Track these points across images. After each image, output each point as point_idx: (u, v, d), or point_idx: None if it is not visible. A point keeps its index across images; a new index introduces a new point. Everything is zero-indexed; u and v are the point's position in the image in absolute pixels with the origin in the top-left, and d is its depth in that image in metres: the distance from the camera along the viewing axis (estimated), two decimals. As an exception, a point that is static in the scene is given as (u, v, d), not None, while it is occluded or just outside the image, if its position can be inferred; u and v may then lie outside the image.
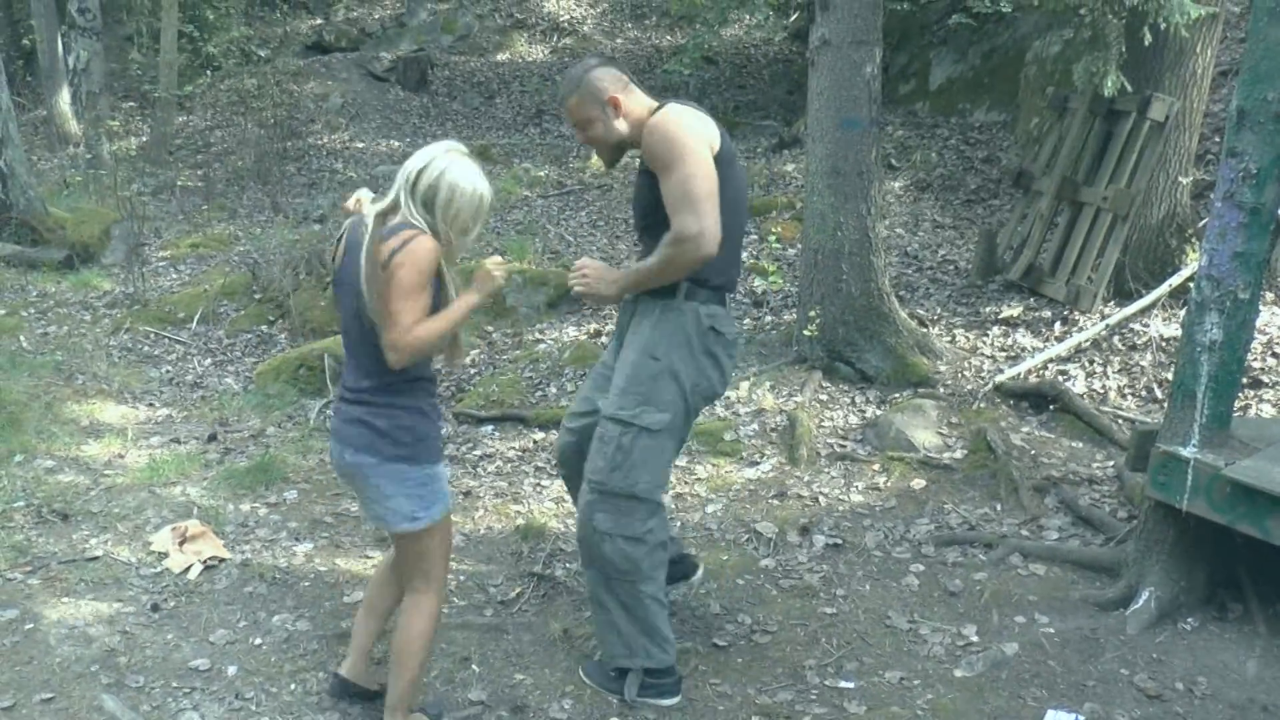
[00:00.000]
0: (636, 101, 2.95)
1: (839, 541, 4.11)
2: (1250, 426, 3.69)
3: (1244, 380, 4.78)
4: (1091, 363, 5.44)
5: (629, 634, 3.06)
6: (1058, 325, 5.91)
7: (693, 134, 2.80)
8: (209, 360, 6.42)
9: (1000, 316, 6.11)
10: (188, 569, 3.87)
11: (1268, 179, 3.15)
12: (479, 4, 15.57)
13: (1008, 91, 9.26)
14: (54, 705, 3.08)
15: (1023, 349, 5.70)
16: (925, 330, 5.80)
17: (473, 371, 6.05)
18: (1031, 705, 3.11)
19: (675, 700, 3.13)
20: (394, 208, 2.60)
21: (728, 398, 5.27)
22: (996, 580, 3.79)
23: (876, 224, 5.43)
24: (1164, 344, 5.43)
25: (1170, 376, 4.48)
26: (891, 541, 4.12)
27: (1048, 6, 6.63)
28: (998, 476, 4.48)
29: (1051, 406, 5.07)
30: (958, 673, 3.28)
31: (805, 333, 5.53)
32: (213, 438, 5.22)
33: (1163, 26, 5.32)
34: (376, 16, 15.78)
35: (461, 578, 3.87)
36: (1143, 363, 5.35)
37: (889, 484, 4.58)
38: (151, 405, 5.69)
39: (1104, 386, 5.25)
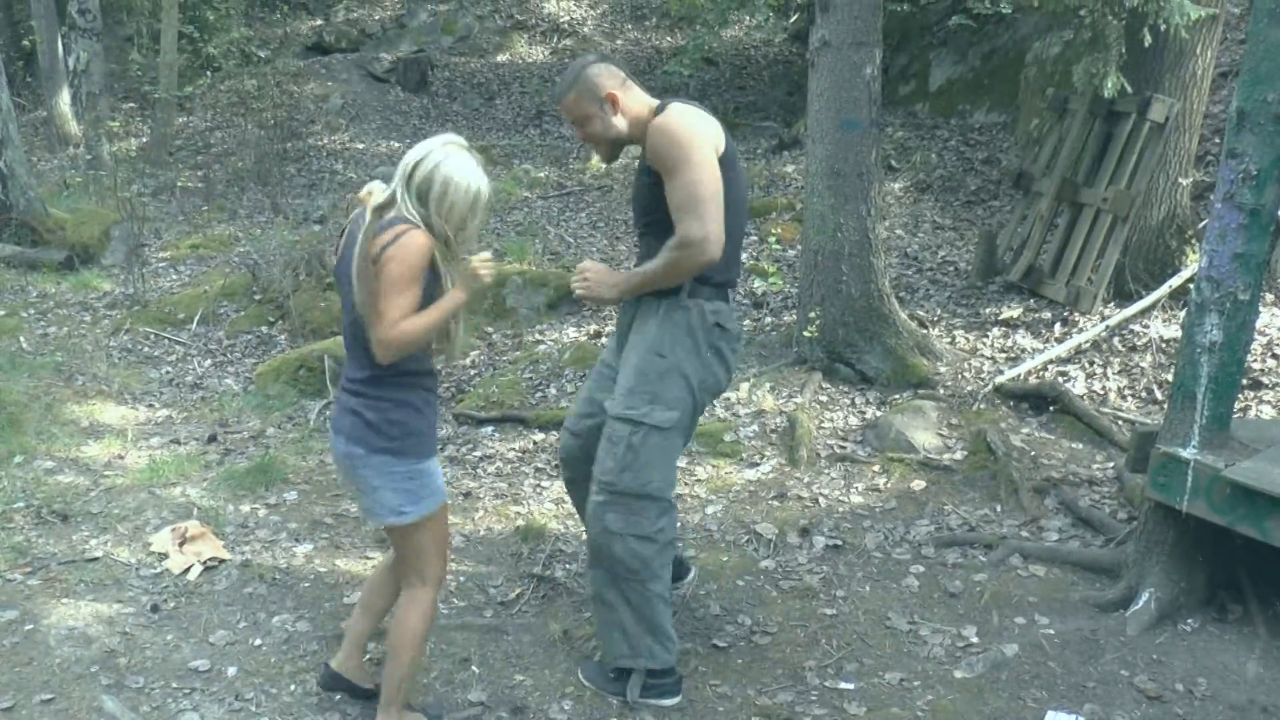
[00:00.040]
0: (635, 98, 2.95)
1: (839, 543, 4.11)
2: (1250, 428, 3.69)
3: (1244, 381, 4.78)
4: (1091, 364, 5.44)
5: (635, 634, 3.05)
6: (1058, 326, 5.91)
7: (699, 136, 2.80)
8: (209, 361, 6.42)
9: (1000, 318, 6.11)
10: (187, 570, 3.87)
11: (1268, 180, 3.15)
12: (479, 5, 15.57)
13: (1008, 93, 9.26)
14: (54, 706, 3.08)
15: (1023, 350, 5.70)
16: (925, 331, 5.80)
17: (473, 373, 6.05)
18: (1031, 706, 3.11)
19: (676, 700, 3.13)
20: (391, 201, 2.61)
21: (727, 399, 5.27)
22: (996, 581, 3.79)
23: (876, 225, 5.43)
24: (1164, 345, 5.43)
25: (1170, 378, 4.49)
26: (891, 543, 4.12)
27: (1048, 8, 6.63)
28: (998, 478, 4.48)
29: (1051, 408, 5.07)
30: (958, 674, 3.28)
31: (805, 334, 5.53)
32: (213, 439, 5.22)
33: (1163, 28, 5.32)
34: (377, 17, 15.78)
35: (461, 579, 3.87)
36: (1143, 364, 5.35)
37: (889, 485, 4.58)
38: (151, 406, 5.69)
39: (1104, 388, 5.25)
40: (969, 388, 5.29)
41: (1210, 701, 3.11)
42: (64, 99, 12.04)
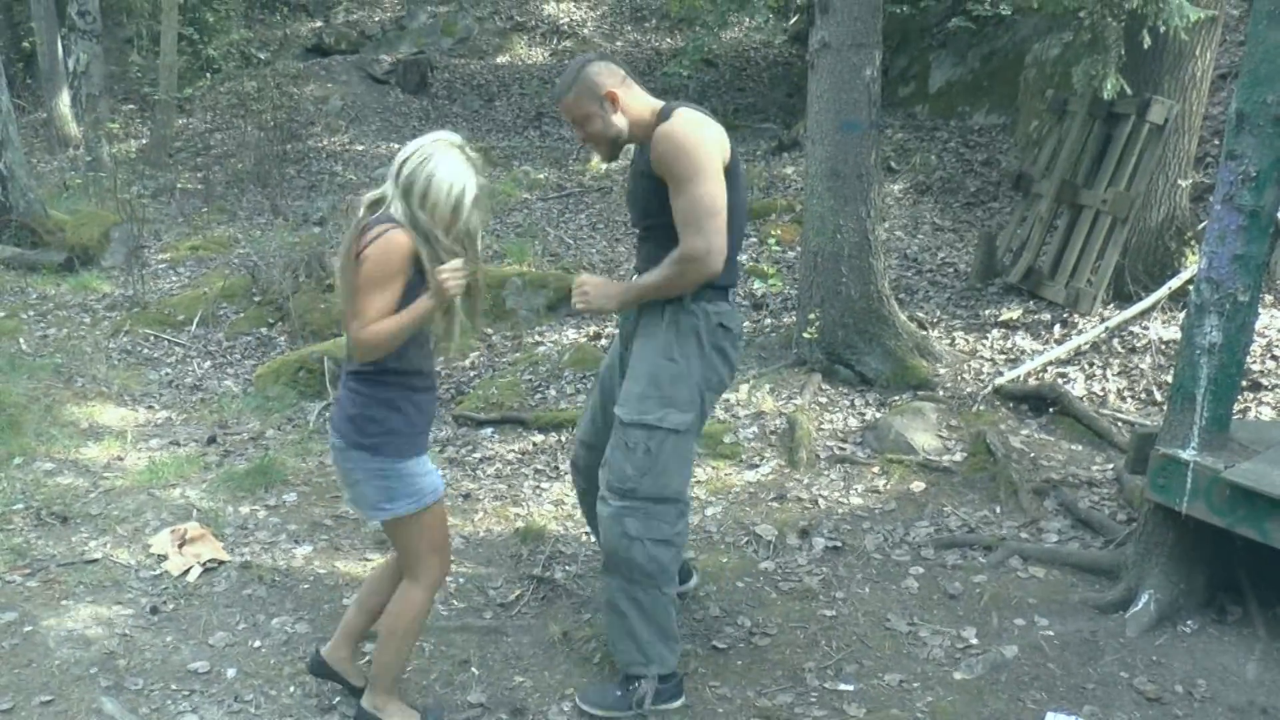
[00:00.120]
0: (636, 98, 2.94)
1: (838, 544, 4.11)
2: (1249, 429, 3.69)
3: (1243, 383, 4.78)
4: (1091, 365, 5.45)
5: (646, 641, 3.05)
6: (1057, 328, 5.91)
7: (707, 148, 2.79)
8: (208, 363, 6.42)
9: (1000, 319, 6.11)
10: (187, 571, 3.86)
11: (1267, 182, 3.15)
12: (479, 7, 15.58)
13: (1007, 94, 9.27)
14: (53, 708, 3.08)
15: (1022, 352, 5.70)
16: (925, 333, 5.80)
17: (472, 374, 6.05)
18: (1031, 708, 3.11)
19: (680, 702, 3.14)
20: (384, 198, 2.62)
21: (727, 400, 5.27)
22: (996, 583, 3.79)
23: (876, 227, 5.43)
24: (1163, 347, 5.43)
25: (1170, 379, 4.49)
26: (891, 544, 4.12)
27: (1047, 9, 6.64)
28: (997, 479, 4.48)
29: (1051, 409, 5.07)
30: (957, 675, 3.28)
31: (805, 335, 5.53)
32: (212, 440, 5.22)
33: (1162, 30, 5.32)
34: (376, 19, 15.79)
35: (461, 580, 3.87)
36: (1142, 365, 5.35)
37: (888, 487, 4.57)
38: (151, 408, 5.69)
39: (1103, 389, 5.25)
40: (968, 389, 5.29)
41: (1210, 703, 3.11)
42: (64, 101, 12.05)
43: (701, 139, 2.79)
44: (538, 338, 6.42)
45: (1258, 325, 5.03)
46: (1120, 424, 4.89)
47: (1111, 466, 4.56)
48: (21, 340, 6.43)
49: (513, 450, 5.10)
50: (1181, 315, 5.38)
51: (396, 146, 11.29)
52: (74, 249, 8.10)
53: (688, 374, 2.95)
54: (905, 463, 4.71)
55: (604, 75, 2.91)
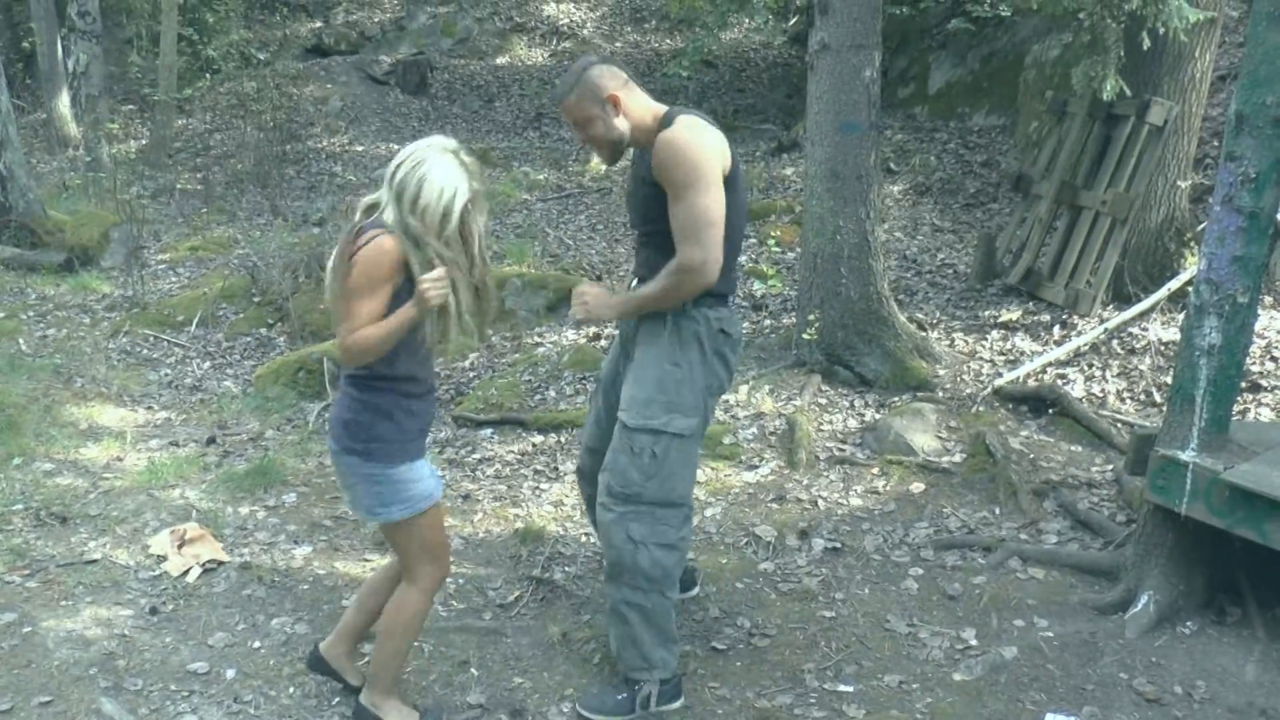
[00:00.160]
0: (638, 101, 2.93)
1: (838, 545, 4.11)
2: (1249, 430, 3.69)
3: (1243, 384, 4.78)
4: (1090, 366, 5.45)
5: (649, 646, 3.05)
6: (1057, 329, 5.91)
7: (709, 158, 2.79)
8: (208, 363, 6.42)
9: (999, 320, 6.11)
10: (186, 572, 3.86)
11: (1266, 183, 3.15)
12: (478, 7, 15.58)
13: (1007, 95, 9.27)
14: (52, 708, 3.08)
15: (1022, 353, 5.70)
16: (924, 334, 5.81)
17: (471, 375, 6.05)
18: (1030, 709, 3.11)
19: (680, 703, 3.14)
20: (379, 202, 2.63)
21: (726, 401, 5.27)
22: (995, 584, 3.79)
23: (876, 228, 5.43)
24: (1163, 348, 5.43)
25: (1169, 380, 4.48)
26: (890, 545, 4.12)
27: (1047, 10, 6.64)
28: (997, 480, 4.48)
29: (1050, 410, 5.07)
30: (956, 676, 3.28)
31: (804, 336, 5.53)
32: (211, 441, 5.22)
33: (1161, 31, 5.32)
34: (376, 20, 15.80)
35: (460, 581, 3.87)
36: (1142, 366, 5.35)
37: (888, 488, 4.58)
38: (150, 408, 5.69)
39: (1103, 390, 5.25)
40: (968, 390, 5.29)
41: (1209, 704, 3.11)
42: (63, 101, 12.05)
43: (702, 148, 2.79)
44: (537, 339, 6.42)
45: (1257, 327, 5.02)
46: (1120, 425, 4.89)
47: (1111, 468, 4.56)
48: (21, 341, 6.43)
49: (512, 451, 5.10)
50: (1181, 316, 5.38)
51: (396, 147, 11.28)
52: (73, 249, 8.10)
53: (691, 379, 2.96)
54: (905, 464, 4.71)
55: (606, 78, 2.90)
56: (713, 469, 4.80)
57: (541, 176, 10.12)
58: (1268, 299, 5.64)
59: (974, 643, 3.46)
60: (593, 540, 4.18)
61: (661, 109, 2.94)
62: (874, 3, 5.16)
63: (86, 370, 6.08)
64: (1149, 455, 3.50)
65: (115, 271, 7.92)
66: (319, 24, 15.73)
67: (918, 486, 4.56)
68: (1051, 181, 6.48)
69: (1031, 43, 9.11)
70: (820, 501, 4.48)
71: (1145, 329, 5.64)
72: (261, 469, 4.75)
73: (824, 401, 5.35)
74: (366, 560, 4.03)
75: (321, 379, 5.77)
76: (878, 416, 5.14)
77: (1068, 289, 6.11)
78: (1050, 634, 3.47)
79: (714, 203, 2.78)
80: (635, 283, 3.10)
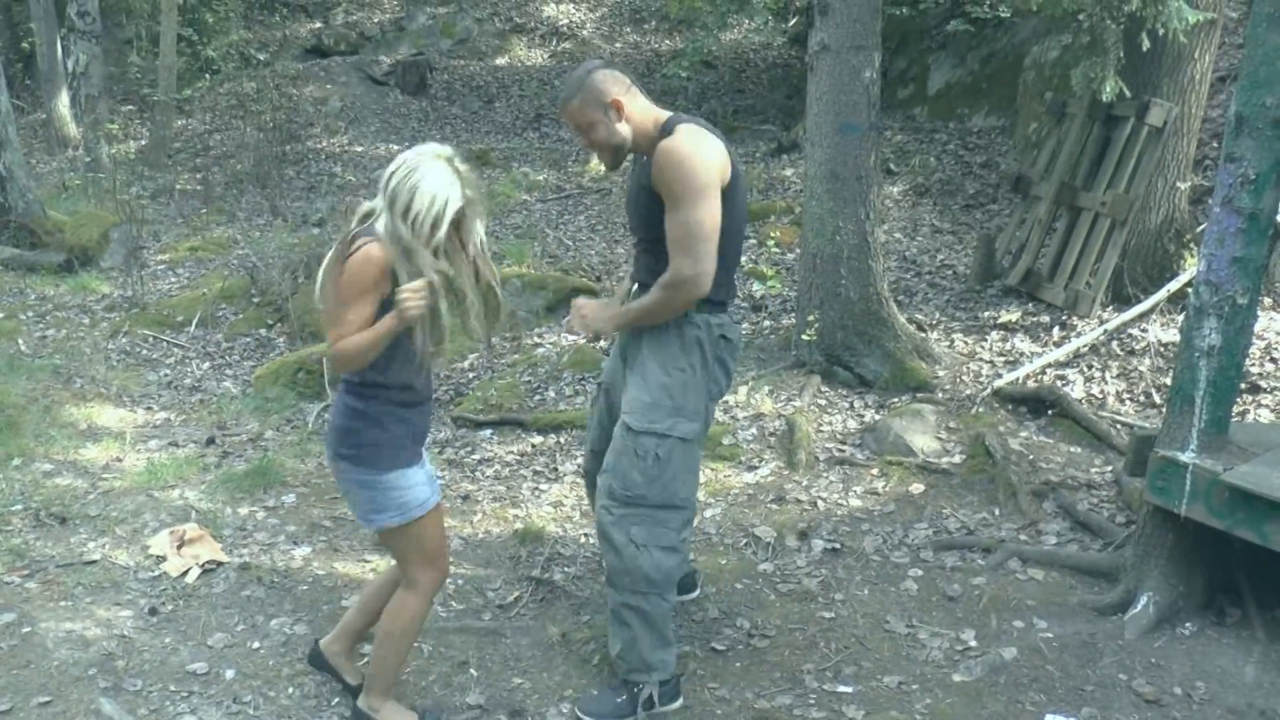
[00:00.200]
0: (640, 106, 2.93)
1: (837, 546, 4.11)
2: (1248, 432, 3.69)
3: (1242, 385, 4.78)
4: (1090, 368, 5.45)
5: (649, 649, 3.06)
6: (1056, 330, 5.91)
7: (706, 168, 2.78)
8: (207, 364, 6.41)
9: (999, 321, 6.11)
10: (186, 572, 3.86)
11: (1266, 184, 3.15)
12: (478, 8, 15.59)
13: (1006, 96, 9.27)
14: (51, 709, 3.08)
15: (1021, 354, 5.70)
16: (924, 335, 5.81)
17: (471, 375, 6.05)
18: (1030, 710, 3.11)
19: (679, 703, 3.14)
20: (375, 210, 2.64)
21: (726, 402, 5.27)
22: (995, 585, 3.79)
23: (875, 229, 5.43)
24: (1162, 349, 5.43)
25: (1169, 381, 4.48)
26: (890, 546, 4.12)
27: (1046, 12, 6.64)
28: (996, 481, 4.48)
29: (1050, 411, 5.07)
30: (956, 677, 3.28)
31: (804, 337, 5.53)
32: (211, 441, 5.22)
33: (1161, 32, 5.32)
34: (375, 20, 15.80)
35: (459, 581, 3.87)
36: (1141, 368, 5.35)
37: (887, 489, 4.58)
38: (150, 409, 5.69)
39: (1102, 391, 5.25)
40: (967, 391, 5.30)
41: (1208, 705, 3.11)
42: (63, 101, 12.05)
43: (701, 160, 2.78)
44: (537, 339, 6.42)
45: (1256, 328, 5.02)
46: (1119, 426, 4.89)
47: (1110, 469, 4.56)
48: (20, 341, 6.42)
49: (511, 452, 5.10)
50: (1180, 318, 5.38)
51: (395, 148, 11.32)
52: (73, 250, 8.10)
53: (695, 383, 2.97)
54: (904, 465, 4.71)
55: (609, 83, 2.89)
56: (712, 470, 4.80)
57: (541, 177, 10.12)
58: (1267, 300, 5.64)
59: (973, 644, 3.45)
60: (592, 541, 4.18)
61: (664, 115, 2.94)
62: (874, 4, 5.16)
63: (86, 371, 6.08)
64: (1148, 456, 3.50)
65: (115, 272, 7.92)
66: (318, 24, 15.74)
67: (917, 487, 4.56)
68: (1051, 182, 6.48)
69: (1031, 44, 9.11)
70: (820, 502, 4.48)
71: (1145, 330, 5.64)
72: (261, 470, 4.75)
73: (823, 402, 5.35)
74: (366, 561, 4.03)
75: (321, 380, 5.77)
76: (877, 417, 5.14)
77: (1067, 290, 6.11)
78: (1050, 635, 3.47)
79: (708, 216, 2.79)
80: (635, 288, 3.11)
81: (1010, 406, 5.16)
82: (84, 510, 4.35)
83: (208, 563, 3.92)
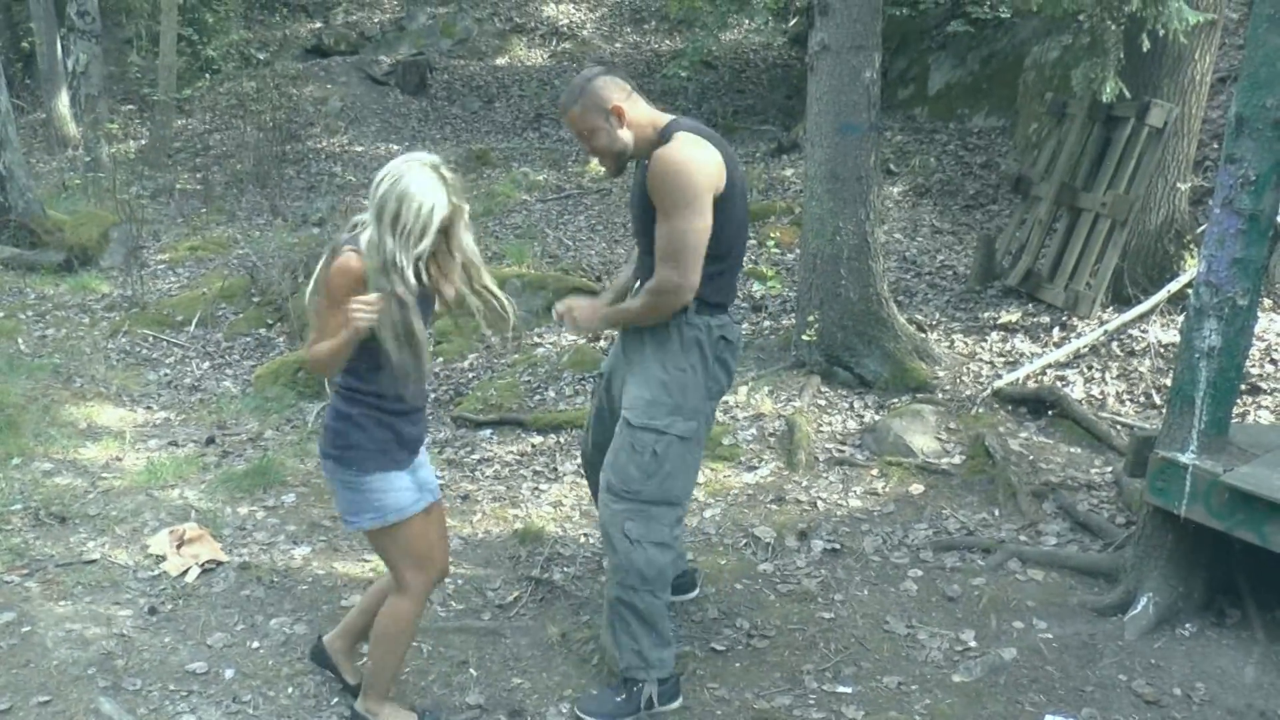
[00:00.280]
0: (641, 111, 2.93)
1: (837, 546, 4.11)
2: (1248, 433, 3.69)
3: (1242, 386, 4.78)
4: (1090, 368, 5.45)
5: (647, 647, 3.07)
6: (1056, 331, 5.91)
7: (699, 180, 2.78)
8: (207, 363, 6.41)
9: (999, 322, 6.11)
10: (185, 572, 3.86)
11: (1266, 185, 3.15)
12: (478, 8, 15.59)
13: (1006, 97, 9.27)
14: (51, 708, 3.08)
15: (1021, 354, 5.70)
16: (924, 335, 5.80)
17: (471, 375, 6.05)
18: (1029, 710, 3.11)
19: (678, 703, 3.15)
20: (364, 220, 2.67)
21: (726, 402, 5.27)
22: (995, 585, 3.79)
23: (875, 229, 5.43)
24: (1162, 350, 5.43)
25: (1169, 382, 4.48)
26: (890, 546, 4.12)
27: (1046, 12, 6.64)
28: (996, 482, 4.48)
29: (1050, 412, 5.07)
30: (956, 678, 3.28)
31: (804, 337, 5.53)
32: (211, 441, 5.22)
33: (1161, 33, 5.32)
34: (376, 20, 15.80)
35: (459, 581, 3.87)
36: (1141, 368, 5.35)
37: (887, 489, 4.57)
38: (149, 408, 5.69)
39: (1102, 392, 5.25)
40: (967, 392, 5.30)
41: (1208, 706, 3.11)
42: (63, 101, 12.05)
43: (693, 171, 2.78)
44: (536, 339, 6.42)
45: (1257, 329, 5.01)
46: (1119, 427, 4.89)
47: (1110, 469, 4.56)
48: (20, 340, 6.42)
49: (511, 452, 5.10)
50: (1180, 318, 5.38)
51: (395, 148, 11.35)
52: (73, 249, 8.10)
53: (695, 383, 2.98)
54: (904, 465, 4.71)
55: (610, 89, 2.90)
56: (712, 470, 4.80)
57: (541, 177, 10.12)
58: (1267, 301, 5.64)
59: (973, 644, 3.45)
60: (592, 541, 4.18)
61: (663, 120, 2.94)
62: (874, 4, 5.16)
63: (85, 370, 6.08)
64: (1148, 457, 3.50)
65: (114, 271, 7.92)
66: (319, 24, 15.73)
67: (917, 488, 4.56)
68: (1051, 183, 6.48)
69: (1031, 44, 9.11)
70: (819, 503, 4.48)
71: (1145, 331, 5.64)
72: (260, 469, 4.75)
73: (823, 403, 5.35)
74: (365, 561, 4.02)
75: (320, 379, 5.76)
76: (877, 418, 5.14)
77: (1067, 291, 6.11)
78: (1049, 635, 3.47)
79: (697, 228, 2.80)
80: (637, 286, 3.11)
81: (1010, 407, 5.16)
82: (84, 509, 4.35)
83: (207, 562, 3.92)
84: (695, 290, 2.85)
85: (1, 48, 13.94)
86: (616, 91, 2.90)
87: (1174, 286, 5.77)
